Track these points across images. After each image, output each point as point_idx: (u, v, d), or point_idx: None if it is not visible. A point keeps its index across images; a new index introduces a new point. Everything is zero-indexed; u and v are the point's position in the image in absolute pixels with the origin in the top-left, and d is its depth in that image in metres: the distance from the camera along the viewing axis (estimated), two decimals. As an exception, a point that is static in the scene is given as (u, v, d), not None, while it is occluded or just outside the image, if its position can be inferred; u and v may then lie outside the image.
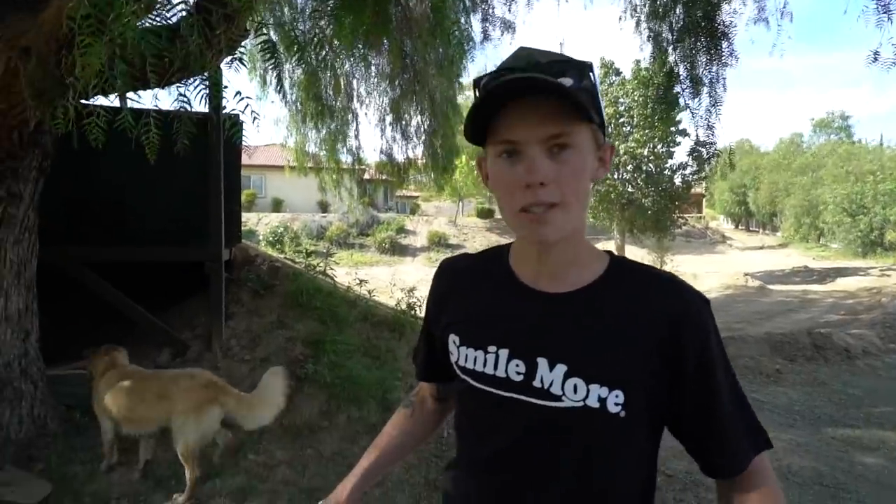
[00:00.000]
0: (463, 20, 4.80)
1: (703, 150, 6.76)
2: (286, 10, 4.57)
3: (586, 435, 0.75)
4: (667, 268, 14.33)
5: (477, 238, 22.84)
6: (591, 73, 0.75)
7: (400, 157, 6.09)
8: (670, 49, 4.69)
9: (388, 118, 5.75)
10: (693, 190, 20.00)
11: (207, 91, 2.52)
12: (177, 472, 2.74)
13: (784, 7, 4.11)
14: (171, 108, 2.54)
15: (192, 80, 2.53)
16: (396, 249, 20.67)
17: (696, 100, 4.65)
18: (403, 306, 5.13)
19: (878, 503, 3.07)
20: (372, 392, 3.67)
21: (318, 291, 4.56)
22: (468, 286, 0.89)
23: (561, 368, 0.75)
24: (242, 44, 3.00)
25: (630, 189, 18.35)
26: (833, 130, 45.00)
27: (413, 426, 1.04)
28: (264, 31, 2.52)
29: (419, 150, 6.06)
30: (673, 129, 17.56)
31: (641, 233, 18.68)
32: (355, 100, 5.71)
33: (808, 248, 28.87)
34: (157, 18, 2.30)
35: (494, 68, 0.78)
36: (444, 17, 4.12)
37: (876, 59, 3.14)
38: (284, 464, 3.07)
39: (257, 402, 2.67)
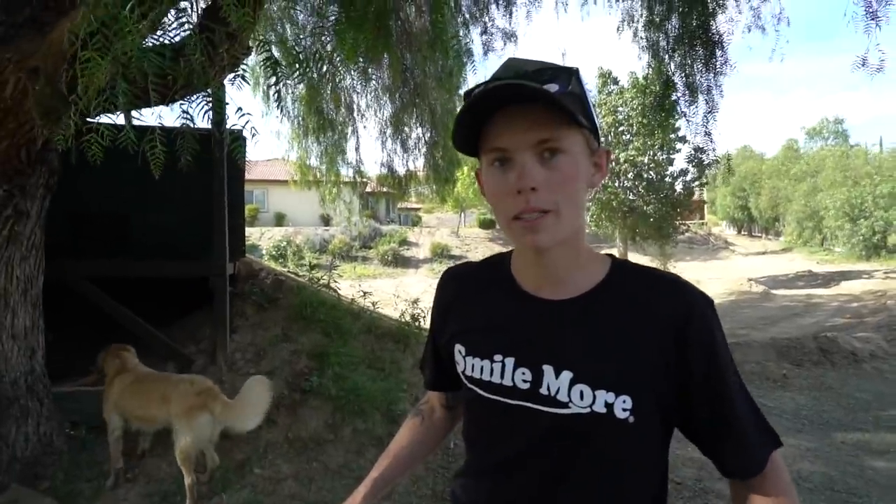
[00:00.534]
0: (462, 33, 4.86)
1: (702, 156, 6.80)
2: (288, 27, 4.64)
3: (595, 441, 0.75)
4: (670, 275, 14.25)
5: (479, 248, 22.87)
6: (578, 79, 0.75)
7: (401, 169, 6.15)
8: (667, 58, 4.73)
9: (389, 131, 5.80)
10: (694, 196, 20.03)
11: (210, 108, 2.55)
12: (181, 488, 2.74)
13: (780, 13, 4.16)
14: (175, 125, 2.57)
15: (195, 96, 2.56)
16: (399, 261, 20.71)
17: (693, 107, 4.70)
18: (407, 318, 5.12)
19: (890, 508, 3.04)
20: (377, 404, 3.66)
21: (321, 304, 4.56)
22: (471, 295, 0.89)
23: (567, 375, 0.75)
24: (245, 61, 3.04)
25: (631, 197, 18.40)
26: (827, 135, 44.54)
27: (423, 435, 1.04)
28: (266, 48, 2.55)
29: (420, 162, 6.11)
30: (672, 136, 17.63)
31: (644, 240, 18.70)
32: (356, 113, 5.77)
33: (811, 252, 28.77)
34: (162, 37, 2.34)
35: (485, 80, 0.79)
36: (443, 30, 4.17)
37: (864, 64, 3.17)
38: (291, 477, 3.06)
39: (240, 406, 2.76)
